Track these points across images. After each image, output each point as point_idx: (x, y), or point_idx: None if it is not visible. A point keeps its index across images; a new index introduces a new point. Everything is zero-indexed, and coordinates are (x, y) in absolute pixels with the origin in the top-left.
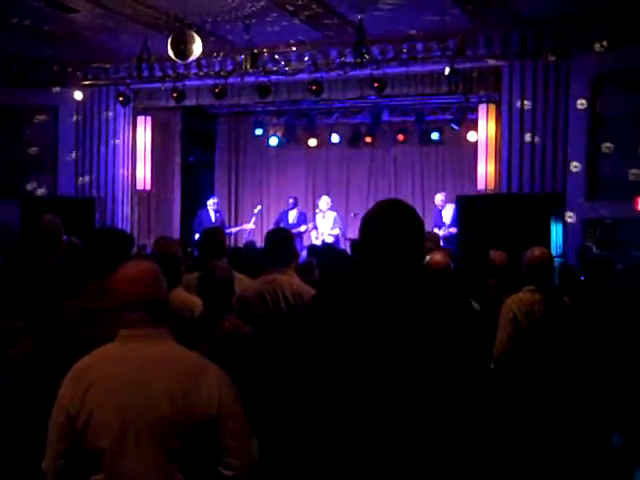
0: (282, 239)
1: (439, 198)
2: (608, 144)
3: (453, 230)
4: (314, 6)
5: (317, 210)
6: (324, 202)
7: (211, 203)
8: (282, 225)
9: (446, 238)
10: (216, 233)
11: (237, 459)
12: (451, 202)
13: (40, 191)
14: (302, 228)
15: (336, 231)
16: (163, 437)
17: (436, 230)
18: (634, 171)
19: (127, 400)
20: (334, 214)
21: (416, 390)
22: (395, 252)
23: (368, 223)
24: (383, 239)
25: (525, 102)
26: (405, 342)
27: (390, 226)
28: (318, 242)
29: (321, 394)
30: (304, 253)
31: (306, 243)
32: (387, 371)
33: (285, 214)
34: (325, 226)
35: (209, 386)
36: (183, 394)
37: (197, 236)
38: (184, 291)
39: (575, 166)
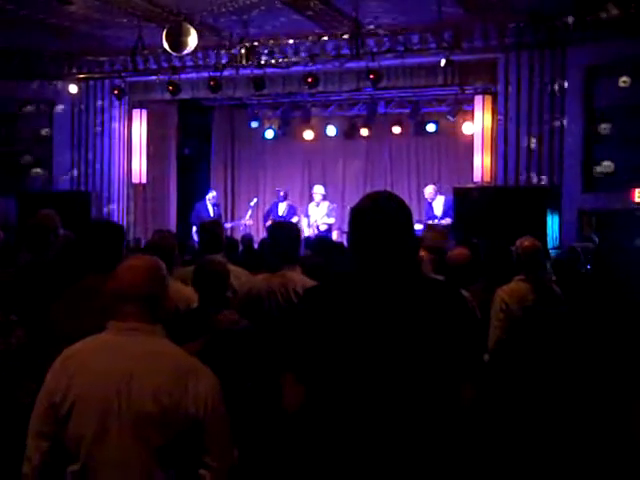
0: (291, 236)
1: (429, 190)
2: (603, 136)
3: (445, 222)
4: None
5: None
6: (318, 191)
7: (210, 197)
8: (272, 217)
9: None
10: (214, 226)
11: (218, 462)
12: (441, 194)
13: (35, 171)
14: (294, 219)
15: (331, 220)
16: (145, 432)
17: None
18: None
19: (111, 391)
20: (327, 203)
21: (413, 378)
22: (389, 244)
23: (361, 216)
24: (378, 231)
25: (521, 93)
26: (401, 331)
27: (384, 218)
28: (310, 231)
29: (317, 383)
30: None
31: None
32: (382, 359)
33: (275, 206)
34: (318, 215)
35: (197, 388)
36: (169, 392)
37: (195, 229)
38: (180, 283)
39: (573, 153)
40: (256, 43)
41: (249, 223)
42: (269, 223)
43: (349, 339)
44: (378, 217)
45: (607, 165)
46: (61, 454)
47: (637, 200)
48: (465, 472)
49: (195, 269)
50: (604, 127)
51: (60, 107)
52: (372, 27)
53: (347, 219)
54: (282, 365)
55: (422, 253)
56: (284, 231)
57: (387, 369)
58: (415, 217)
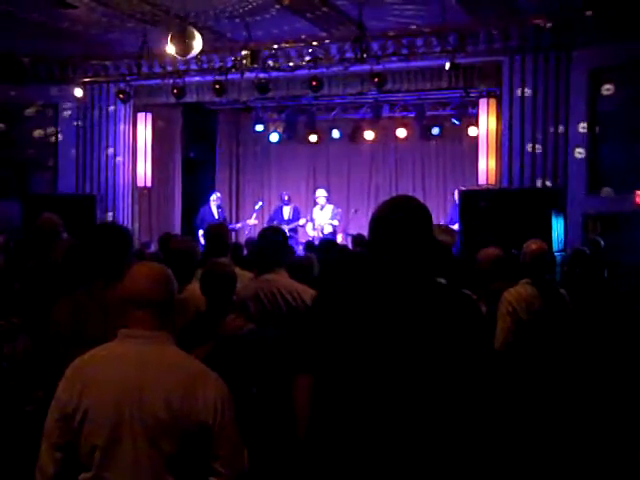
0: (275, 240)
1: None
2: (608, 138)
3: None
4: (314, 2)
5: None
6: (321, 194)
7: (214, 198)
8: (276, 222)
9: None
10: (220, 229)
11: (228, 468)
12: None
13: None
14: (301, 221)
15: (335, 222)
16: (158, 440)
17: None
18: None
19: (123, 400)
20: (332, 207)
21: (423, 382)
22: (412, 248)
23: (384, 220)
24: (403, 235)
25: (525, 96)
26: (413, 336)
27: (408, 222)
28: (315, 234)
29: (329, 387)
30: (300, 248)
31: (302, 236)
32: (397, 363)
33: (279, 210)
34: (322, 218)
35: (206, 394)
36: (180, 400)
37: (200, 232)
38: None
39: (578, 156)
40: (260, 47)
41: (254, 223)
42: None
43: (361, 342)
44: (405, 221)
45: (612, 167)
46: (74, 463)
47: None
48: (469, 473)
49: (203, 273)
50: (608, 129)
51: (65, 111)
52: (376, 30)
53: (352, 222)
54: (294, 366)
55: None
56: (269, 236)
57: (398, 371)
58: None
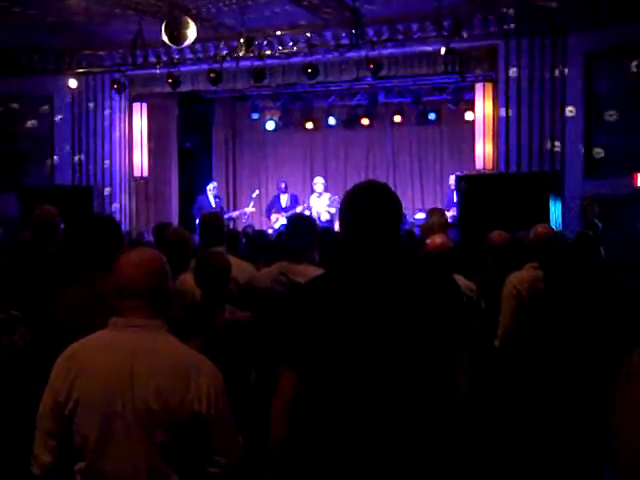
0: (300, 229)
1: (453, 179)
2: (605, 121)
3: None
4: None
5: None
6: (319, 182)
7: (211, 188)
8: (274, 210)
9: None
10: (215, 219)
11: (224, 457)
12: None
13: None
14: (298, 209)
15: (332, 210)
16: (151, 430)
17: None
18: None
19: (114, 390)
20: (329, 195)
21: (409, 360)
22: (379, 230)
23: (350, 202)
24: (368, 219)
25: (522, 80)
26: (396, 315)
27: (374, 206)
28: None
29: (315, 375)
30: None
31: None
32: (380, 345)
33: (277, 199)
34: (320, 206)
35: (199, 384)
36: (171, 389)
37: (197, 222)
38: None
39: (574, 139)
40: (255, 34)
41: (252, 211)
42: (276, 216)
43: (345, 329)
44: (371, 206)
45: (610, 150)
46: (69, 452)
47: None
48: (469, 462)
49: (196, 263)
50: (605, 112)
51: (60, 102)
52: (372, 16)
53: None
54: (280, 359)
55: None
56: (298, 227)
57: (385, 355)
58: (418, 205)
